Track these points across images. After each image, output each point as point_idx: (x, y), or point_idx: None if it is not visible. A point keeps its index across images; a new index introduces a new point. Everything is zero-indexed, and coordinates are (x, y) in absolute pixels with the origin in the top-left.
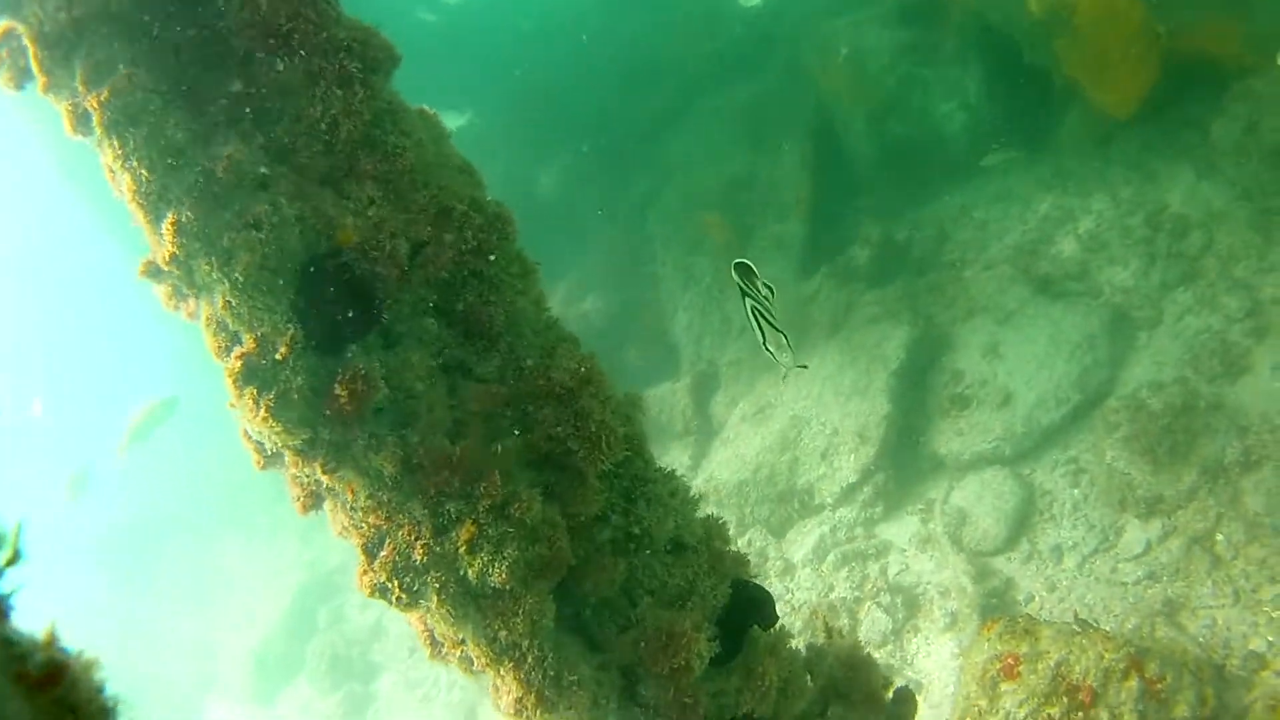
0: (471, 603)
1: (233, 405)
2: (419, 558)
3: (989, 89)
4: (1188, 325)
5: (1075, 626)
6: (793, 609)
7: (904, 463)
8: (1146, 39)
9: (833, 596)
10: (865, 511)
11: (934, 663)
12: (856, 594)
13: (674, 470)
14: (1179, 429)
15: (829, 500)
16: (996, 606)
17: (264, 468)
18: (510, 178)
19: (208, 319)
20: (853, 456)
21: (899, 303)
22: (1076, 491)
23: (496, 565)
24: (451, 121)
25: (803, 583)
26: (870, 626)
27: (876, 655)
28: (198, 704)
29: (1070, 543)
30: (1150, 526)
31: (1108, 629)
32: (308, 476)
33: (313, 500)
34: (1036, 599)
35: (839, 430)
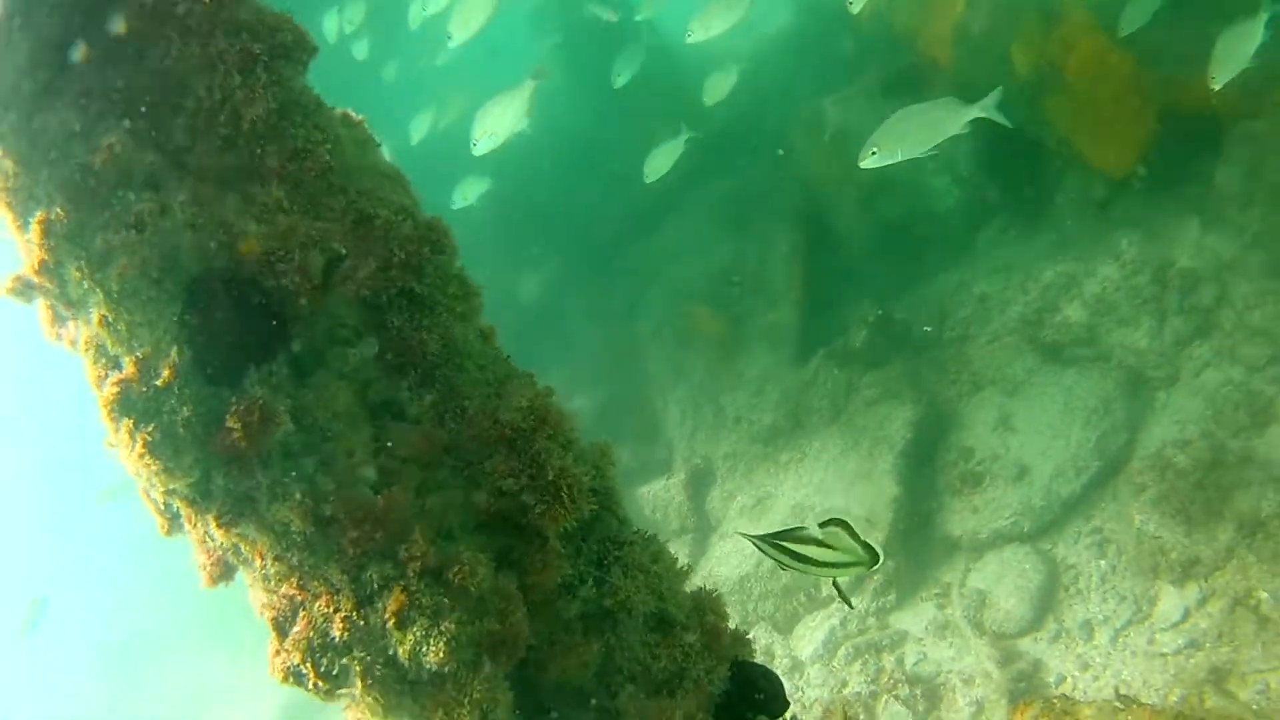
0: (406, 690)
1: (109, 444)
2: (339, 634)
3: (980, 160)
4: (1208, 379)
5: (1118, 704)
6: (803, 708)
7: (916, 547)
8: (1140, 93)
9: (846, 692)
10: (877, 600)
11: None
12: (872, 688)
13: (654, 534)
14: (1210, 485)
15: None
16: (1025, 690)
17: (169, 533)
18: (493, 283)
19: (86, 342)
20: None
21: (900, 382)
22: (1104, 562)
23: (433, 642)
24: None
25: (813, 680)
26: None
27: None
28: None
29: (1101, 616)
30: (1187, 591)
31: (1153, 703)
32: (211, 540)
33: (220, 569)
34: (1069, 679)
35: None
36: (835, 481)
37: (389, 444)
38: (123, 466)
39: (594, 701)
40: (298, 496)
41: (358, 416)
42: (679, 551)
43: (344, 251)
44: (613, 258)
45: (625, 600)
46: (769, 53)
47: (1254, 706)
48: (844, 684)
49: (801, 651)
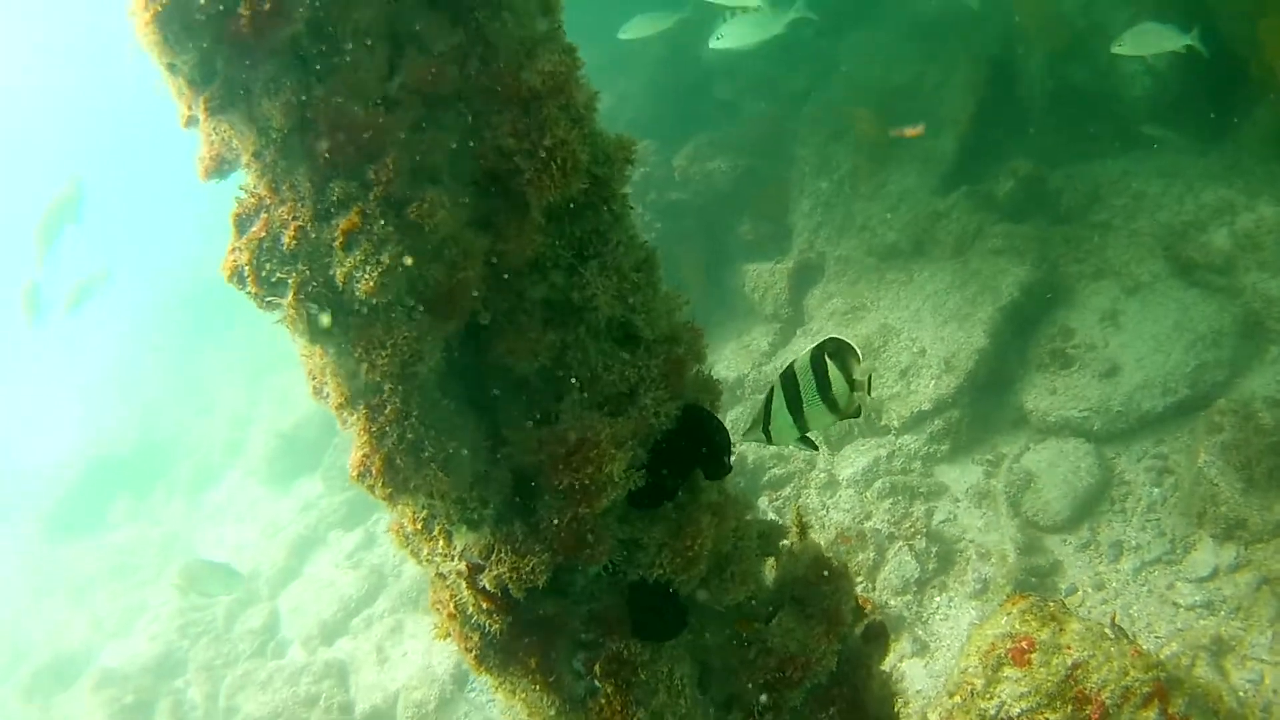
0: (334, 320)
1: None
2: (288, 241)
3: (1181, 59)
4: None
5: (1109, 631)
6: (822, 526)
7: (985, 406)
8: None
9: (867, 525)
10: (930, 446)
11: (949, 627)
12: (892, 530)
13: (648, 243)
14: None
15: (895, 423)
16: (1034, 586)
17: (185, 125)
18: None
19: None
20: (934, 383)
21: (1028, 242)
22: (1157, 491)
23: (369, 270)
24: None
25: (842, 503)
26: (894, 569)
27: (893, 602)
28: (220, 471)
29: (1134, 543)
30: (1224, 551)
31: (1142, 646)
32: (214, 132)
33: (216, 165)
34: (1080, 592)
35: (926, 351)
36: (930, 314)
37: (400, 73)
38: None
39: (536, 397)
40: (286, 94)
41: (379, 37)
42: (764, 337)
43: None
44: (802, 46)
45: (591, 298)
46: None
47: (1240, 692)
48: (868, 515)
49: (841, 472)
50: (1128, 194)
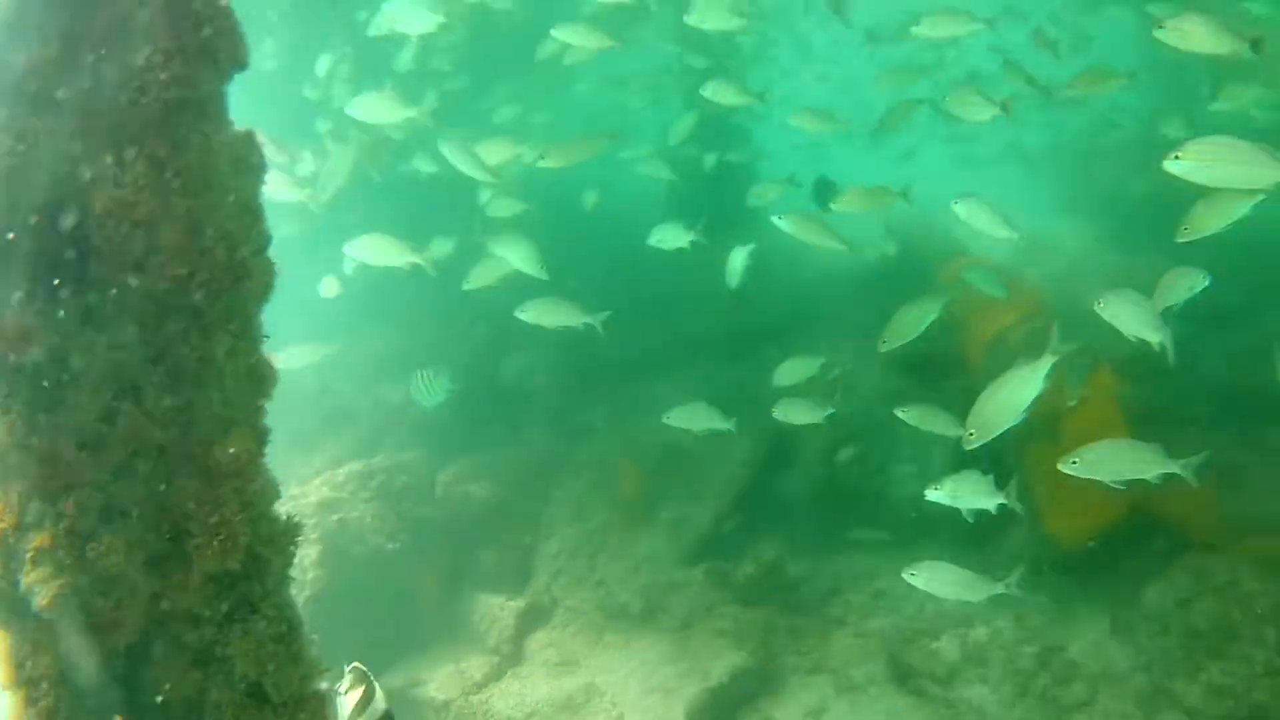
0: (14, 614)
1: None
2: None
3: (955, 460)
4: None
5: None
6: None
7: None
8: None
9: None
10: None
11: None
12: None
13: (299, 621)
14: None
15: None
16: None
17: None
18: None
19: None
20: None
21: (753, 629)
22: None
23: (46, 586)
24: None
25: None
26: None
27: None
28: None
29: None
30: None
31: None
32: None
33: None
34: None
35: (624, 718)
36: (638, 683)
37: (116, 420)
38: None
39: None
40: (14, 415)
41: (104, 382)
42: (478, 669)
43: (165, 245)
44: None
45: (229, 656)
46: None
47: None
48: None
49: None
50: (869, 591)
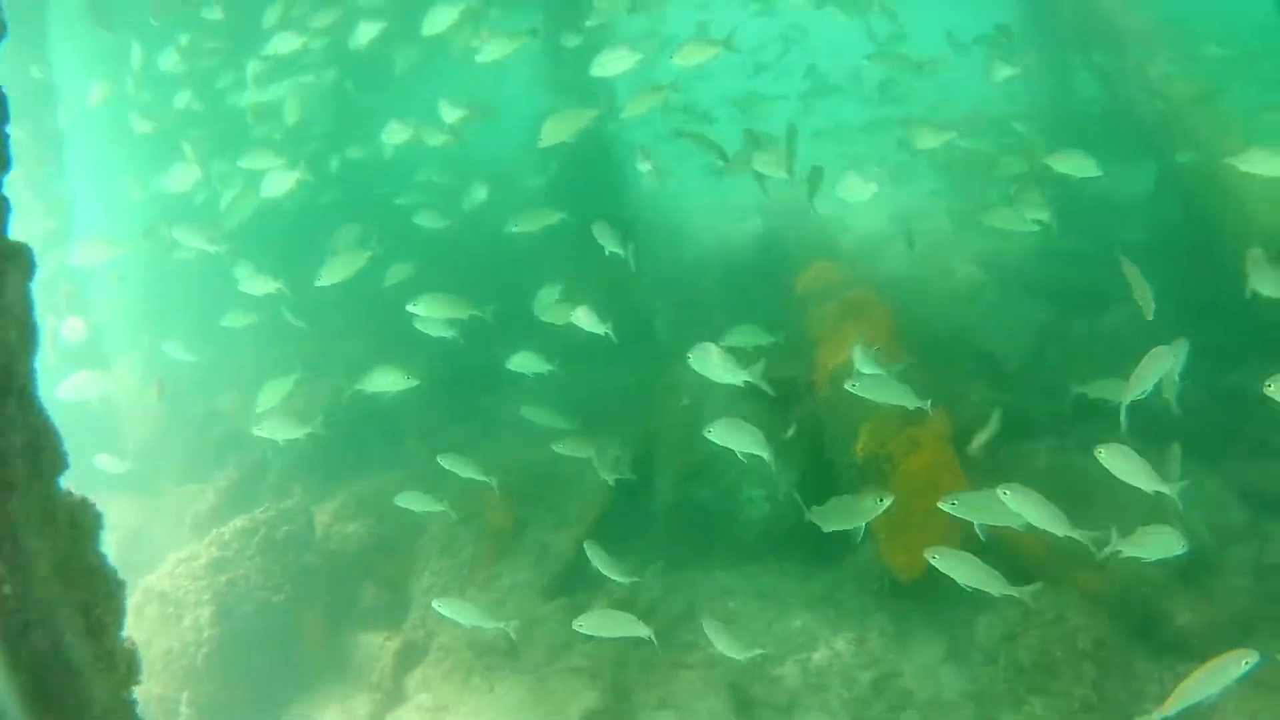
0: None
1: None
2: None
3: (804, 488)
4: None
5: None
6: None
7: None
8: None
9: None
10: None
11: None
12: None
13: None
14: None
15: None
16: None
17: None
18: None
19: None
20: None
21: (607, 665)
22: None
23: None
24: None
25: None
26: None
27: None
28: None
29: None
30: None
31: None
32: None
33: None
34: None
35: None
36: None
37: None
38: None
39: None
40: None
41: None
42: (364, 706)
43: None
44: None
45: None
46: None
47: None
48: None
49: None
50: (722, 613)
